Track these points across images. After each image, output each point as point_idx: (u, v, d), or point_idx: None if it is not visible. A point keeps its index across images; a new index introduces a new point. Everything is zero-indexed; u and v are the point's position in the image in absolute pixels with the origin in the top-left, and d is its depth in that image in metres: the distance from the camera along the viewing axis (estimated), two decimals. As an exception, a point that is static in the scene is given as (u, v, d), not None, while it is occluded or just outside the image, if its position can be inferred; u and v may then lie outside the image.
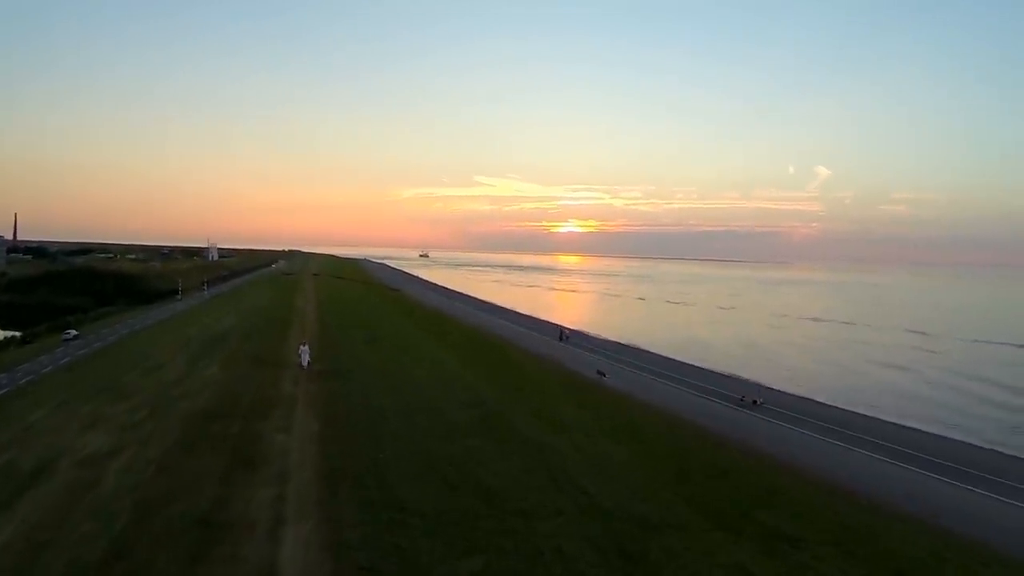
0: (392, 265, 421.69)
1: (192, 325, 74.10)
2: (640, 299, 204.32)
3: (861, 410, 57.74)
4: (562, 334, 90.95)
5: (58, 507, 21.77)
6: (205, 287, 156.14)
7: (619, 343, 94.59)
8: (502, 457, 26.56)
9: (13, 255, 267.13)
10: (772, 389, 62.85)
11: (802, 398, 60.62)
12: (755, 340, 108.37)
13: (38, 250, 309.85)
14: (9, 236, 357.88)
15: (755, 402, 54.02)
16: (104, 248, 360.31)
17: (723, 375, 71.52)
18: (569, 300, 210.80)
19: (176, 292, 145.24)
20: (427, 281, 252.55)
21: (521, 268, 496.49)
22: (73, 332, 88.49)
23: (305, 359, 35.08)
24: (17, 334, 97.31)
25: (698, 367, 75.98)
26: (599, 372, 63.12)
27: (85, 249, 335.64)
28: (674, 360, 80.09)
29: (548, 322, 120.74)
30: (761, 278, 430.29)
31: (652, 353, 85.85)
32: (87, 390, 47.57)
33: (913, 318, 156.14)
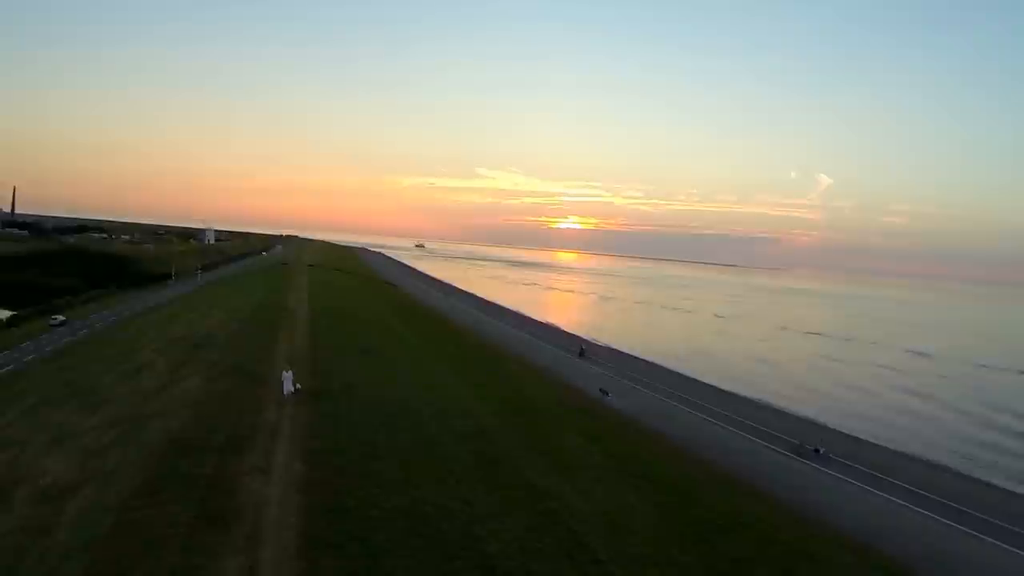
0: (389, 255, 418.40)
1: (178, 320, 71.26)
2: (641, 303, 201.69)
3: (912, 449, 53.93)
4: (582, 350, 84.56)
5: (3, 561, 19.24)
6: (198, 273, 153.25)
7: (632, 356, 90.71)
8: (505, 511, 23.91)
9: (8, 230, 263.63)
10: (828, 428, 57.82)
11: (861, 441, 54.54)
12: (760, 355, 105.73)
13: (34, 225, 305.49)
14: (7, 209, 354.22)
15: (816, 451, 46.40)
16: (100, 226, 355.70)
17: (758, 404, 66.43)
18: (568, 301, 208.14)
19: (169, 276, 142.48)
20: (425, 275, 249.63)
21: (519, 264, 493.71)
22: (60, 317, 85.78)
23: (288, 385, 31.95)
24: (4, 316, 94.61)
25: (731, 392, 70.89)
26: (602, 390, 60.25)
27: (81, 227, 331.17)
28: (693, 380, 76.51)
29: (548, 325, 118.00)
30: (759, 285, 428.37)
31: (665, 369, 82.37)
32: (62, 392, 44.87)
33: (916, 337, 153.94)
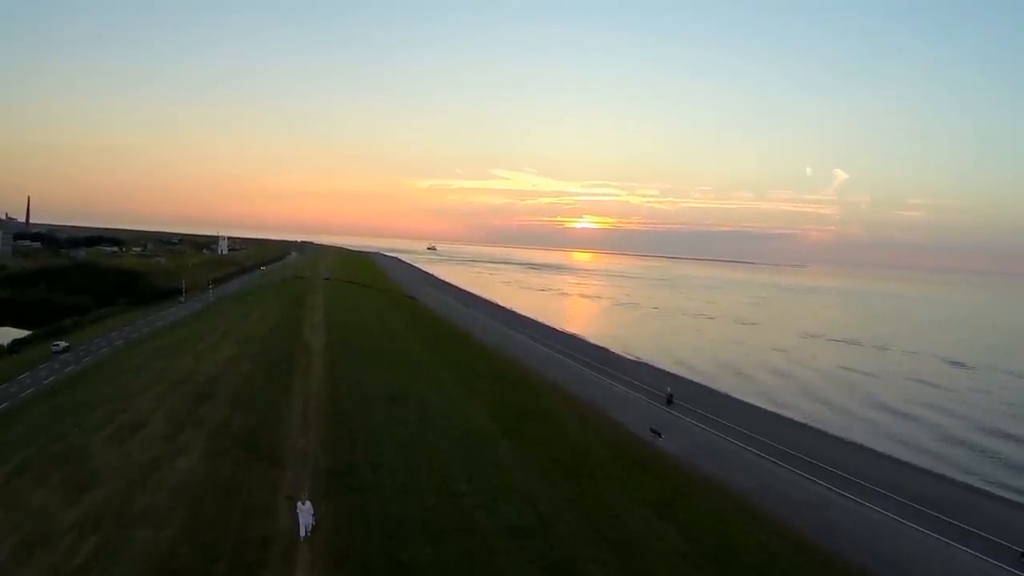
0: (405, 260, 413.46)
1: (185, 350, 65.74)
2: (664, 310, 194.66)
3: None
4: (670, 397, 66.54)
5: None
6: (210, 288, 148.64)
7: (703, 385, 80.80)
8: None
9: (20, 242, 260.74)
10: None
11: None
12: (797, 374, 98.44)
13: (47, 237, 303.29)
14: (22, 219, 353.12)
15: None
16: (114, 236, 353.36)
17: (904, 463, 54.31)
18: (589, 308, 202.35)
19: (180, 292, 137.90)
20: (445, 282, 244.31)
21: (535, 266, 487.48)
22: (62, 343, 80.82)
23: (305, 521, 23.80)
24: (5, 341, 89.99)
25: (847, 440, 60.07)
26: (653, 431, 53.98)
27: (94, 238, 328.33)
28: (759, 409, 68.56)
29: (575, 336, 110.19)
30: (780, 284, 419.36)
31: (744, 403, 73.14)
32: (49, 451, 39.62)
33: (947, 342, 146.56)
